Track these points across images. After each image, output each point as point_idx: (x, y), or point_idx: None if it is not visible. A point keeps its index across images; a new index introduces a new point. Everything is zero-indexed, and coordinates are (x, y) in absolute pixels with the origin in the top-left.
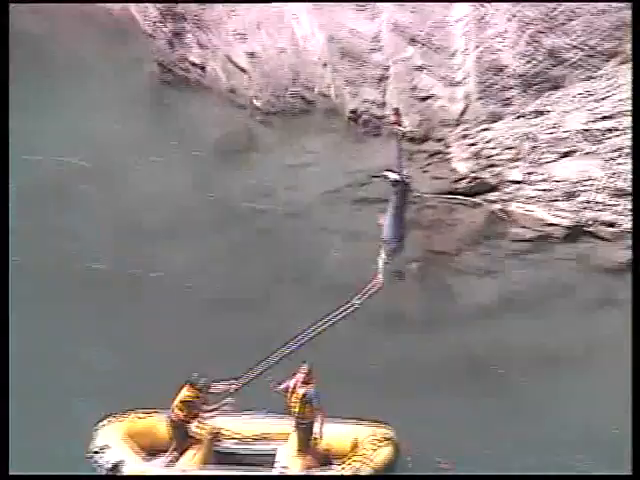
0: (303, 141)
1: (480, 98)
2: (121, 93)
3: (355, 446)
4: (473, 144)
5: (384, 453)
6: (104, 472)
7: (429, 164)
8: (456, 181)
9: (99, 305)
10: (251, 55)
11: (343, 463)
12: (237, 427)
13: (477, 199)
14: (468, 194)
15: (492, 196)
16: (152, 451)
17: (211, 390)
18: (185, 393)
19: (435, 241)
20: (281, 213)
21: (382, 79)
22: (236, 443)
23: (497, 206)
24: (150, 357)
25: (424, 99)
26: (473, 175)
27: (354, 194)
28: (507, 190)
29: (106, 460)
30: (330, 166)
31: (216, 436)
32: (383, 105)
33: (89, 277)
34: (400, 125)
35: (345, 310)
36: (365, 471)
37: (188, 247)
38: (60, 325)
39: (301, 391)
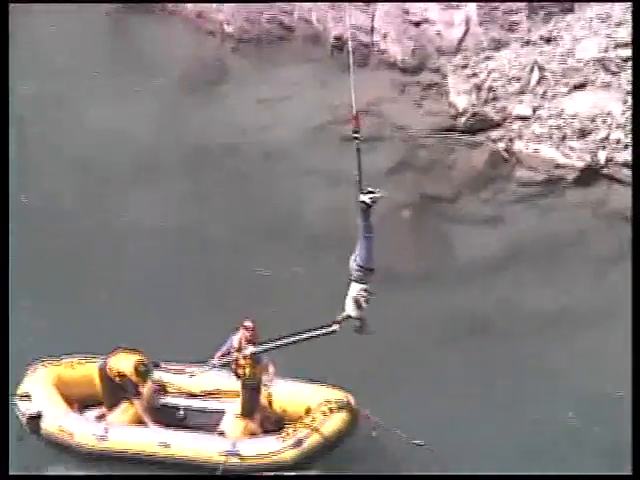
0: (281, 72)
1: (481, 23)
2: (79, 19)
3: (308, 412)
4: (474, 75)
5: (335, 421)
6: (24, 422)
7: (424, 98)
8: (454, 117)
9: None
10: None
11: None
12: (185, 382)
13: (478, 137)
14: (468, 132)
15: (495, 134)
16: (88, 403)
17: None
18: (128, 372)
19: (431, 185)
20: (256, 153)
21: (370, 1)
22: (182, 399)
23: (501, 145)
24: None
25: (417, 24)
26: (474, 110)
27: (339, 131)
28: (512, 127)
29: (25, 409)
30: (311, 100)
31: (160, 390)
32: (371, 31)
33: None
34: (358, 132)
35: (324, 332)
36: (310, 440)
37: (150, 192)
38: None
39: (249, 350)
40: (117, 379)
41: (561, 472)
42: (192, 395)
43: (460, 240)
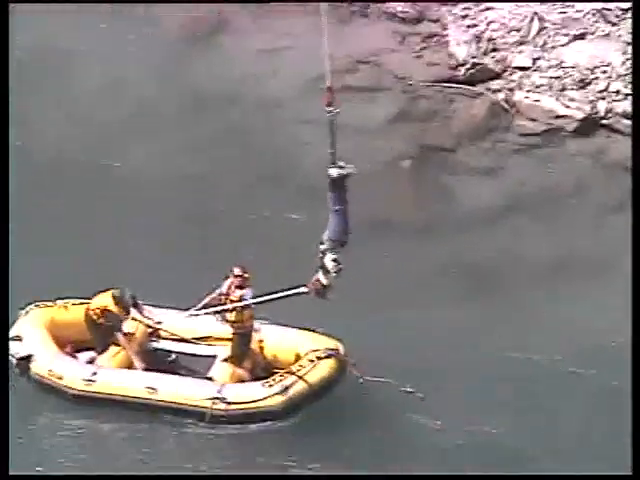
0: (279, 23)
1: None
2: None
3: (297, 359)
4: (474, 25)
5: (322, 369)
6: (14, 363)
7: (423, 48)
8: (454, 67)
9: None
10: None
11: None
12: (178, 326)
13: (478, 88)
14: (468, 82)
15: (495, 84)
16: (82, 346)
17: (138, 311)
18: (109, 304)
19: (430, 135)
20: (255, 104)
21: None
22: (175, 344)
23: (501, 96)
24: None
25: None
26: (474, 61)
27: (339, 82)
28: (512, 78)
29: (15, 351)
30: (311, 51)
31: (152, 334)
32: None
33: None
34: (331, 105)
35: (297, 292)
36: (296, 388)
37: (150, 142)
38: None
39: (237, 294)
40: (101, 319)
41: (559, 413)
42: (184, 340)
43: (460, 190)
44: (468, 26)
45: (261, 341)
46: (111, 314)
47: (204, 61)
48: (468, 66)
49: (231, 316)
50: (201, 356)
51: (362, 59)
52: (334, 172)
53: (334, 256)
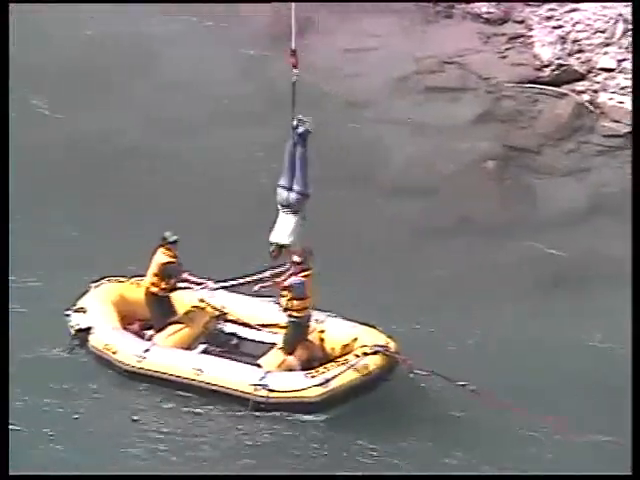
0: (365, 23)
1: None
2: None
3: (345, 351)
4: (559, 26)
5: (366, 365)
6: (70, 333)
7: (508, 49)
8: (539, 68)
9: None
10: None
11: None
12: (245, 310)
13: (563, 89)
14: (552, 83)
15: (580, 85)
16: (147, 324)
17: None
18: (160, 258)
19: (515, 136)
20: (341, 102)
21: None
22: (239, 328)
23: (585, 97)
24: None
25: None
26: (558, 62)
27: (423, 82)
28: (597, 79)
29: (75, 322)
30: (396, 51)
31: (218, 317)
32: None
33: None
34: (296, 67)
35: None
36: (337, 381)
37: (232, 139)
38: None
39: (287, 282)
40: (164, 281)
41: None
42: (248, 325)
43: (543, 191)
44: (553, 27)
45: (322, 332)
46: (168, 266)
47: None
48: (553, 67)
49: (283, 303)
50: (263, 343)
51: (447, 59)
52: (305, 128)
53: (303, 213)
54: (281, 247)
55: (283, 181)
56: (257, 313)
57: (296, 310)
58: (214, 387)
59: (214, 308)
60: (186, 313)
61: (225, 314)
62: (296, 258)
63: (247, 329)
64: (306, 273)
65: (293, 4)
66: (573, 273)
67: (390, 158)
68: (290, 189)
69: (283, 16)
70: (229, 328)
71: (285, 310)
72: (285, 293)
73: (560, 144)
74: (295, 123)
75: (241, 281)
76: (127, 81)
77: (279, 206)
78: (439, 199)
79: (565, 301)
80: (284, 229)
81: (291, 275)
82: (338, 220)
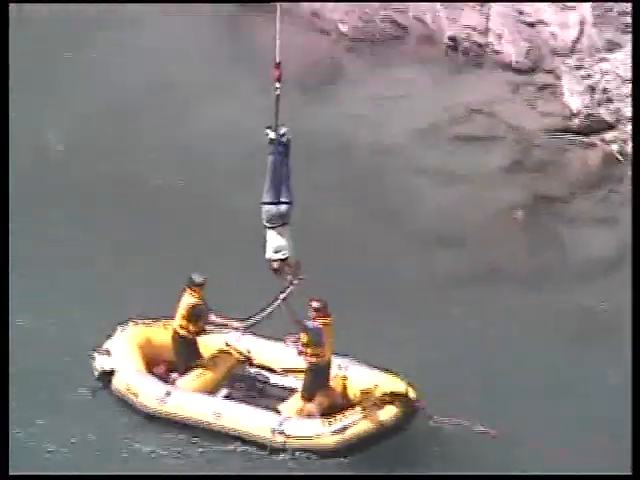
0: (395, 71)
1: (596, 24)
2: (193, 18)
3: (364, 399)
4: (588, 76)
5: (384, 413)
6: (95, 375)
7: (538, 98)
8: (568, 118)
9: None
10: None
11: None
12: (271, 355)
13: (592, 138)
14: (582, 133)
15: (609, 135)
16: (173, 366)
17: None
18: (188, 300)
19: (544, 185)
20: (369, 151)
21: (485, 2)
22: (260, 372)
23: (615, 147)
24: None
25: (532, 25)
26: (588, 111)
27: (452, 131)
28: (626, 129)
29: (99, 364)
30: (425, 99)
31: (243, 362)
32: (486, 31)
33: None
34: (280, 80)
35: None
36: (354, 428)
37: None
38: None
39: (305, 322)
40: (192, 323)
41: None
42: (273, 370)
43: (573, 240)
44: (582, 77)
45: (344, 378)
46: (197, 308)
47: (317, 107)
48: (582, 117)
49: (299, 347)
50: (286, 388)
51: (476, 108)
52: (288, 137)
53: (289, 226)
54: (283, 261)
55: (268, 197)
56: (282, 358)
57: (310, 356)
58: (233, 431)
59: (239, 352)
60: (211, 357)
61: (250, 358)
62: (315, 304)
63: (271, 374)
64: (325, 321)
65: (278, 5)
66: (602, 323)
67: (419, 206)
68: (278, 202)
69: (315, 65)
70: (254, 372)
71: (299, 354)
72: (302, 336)
73: (589, 193)
74: (277, 134)
75: (262, 314)
76: (159, 126)
77: (267, 223)
78: (468, 248)
79: (594, 350)
80: (279, 243)
81: (313, 319)
82: (366, 267)
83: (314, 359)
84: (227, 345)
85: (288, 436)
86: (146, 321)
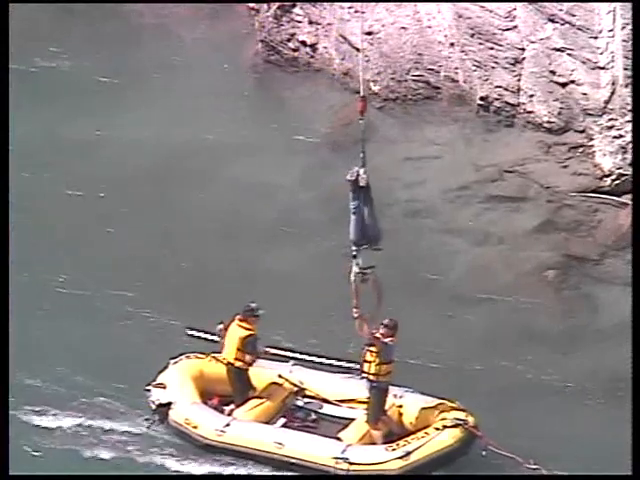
0: (427, 131)
1: (628, 84)
2: (221, 75)
3: (427, 426)
4: (620, 136)
5: (446, 438)
6: (152, 408)
7: (569, 158)
8: (600, 178)
9: None
10: (368, 34)
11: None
12: (323, 386)
13: (623, 198)
14: (613, 193)
15: None
16: (226, 400)
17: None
18: (240, 332)
19: (575, 245)
20: (401, 211)
21: (517, 62)
22: (316, 403)
23: None
24: None
25: (564, 85)
26: (619, 171)
27: (484, 191)
28: None
29: (156, 398)
30: (457, 159)
31: (297, 393)
32: (518, 91)
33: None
34: (363, 114)
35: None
36: (418, 454)
37: (295, 249)
38: None
39: (384, 339)
40: (247, 354)
41: None
42: (326, 401)
43: (604, 300)
44: (614, 137)
45: (400, 407)
46: (250, 339)
47: (349, 167)
48: (614, 177)
49: (369, 367)
50: (341, 418)
51: (508, 168)
52: (364, 179)
53: (358, 260)
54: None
55: (358, 242)
56: (335, 389)
57: (383, 375)
58: (295, 460)
59: (292, 384)
60: (265, 388)
61: (303, 389)
62: (386, 321)
63: (325, 404)
64: (393, 340)
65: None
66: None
67: (451, 266)
68: (369, 242)
69: (345, 121)
70: (307, 404)
71: (372, 375)
72: (372, 357)
73: (621, 254)
74: (355, 176)
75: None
76: (188, 184)
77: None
78: (499, 308)
79: (623, 410)
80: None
81: (384, 338)
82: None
83: (383, 378)
84: (280, 377)
85: (352, 463)
86: (198, 355)
